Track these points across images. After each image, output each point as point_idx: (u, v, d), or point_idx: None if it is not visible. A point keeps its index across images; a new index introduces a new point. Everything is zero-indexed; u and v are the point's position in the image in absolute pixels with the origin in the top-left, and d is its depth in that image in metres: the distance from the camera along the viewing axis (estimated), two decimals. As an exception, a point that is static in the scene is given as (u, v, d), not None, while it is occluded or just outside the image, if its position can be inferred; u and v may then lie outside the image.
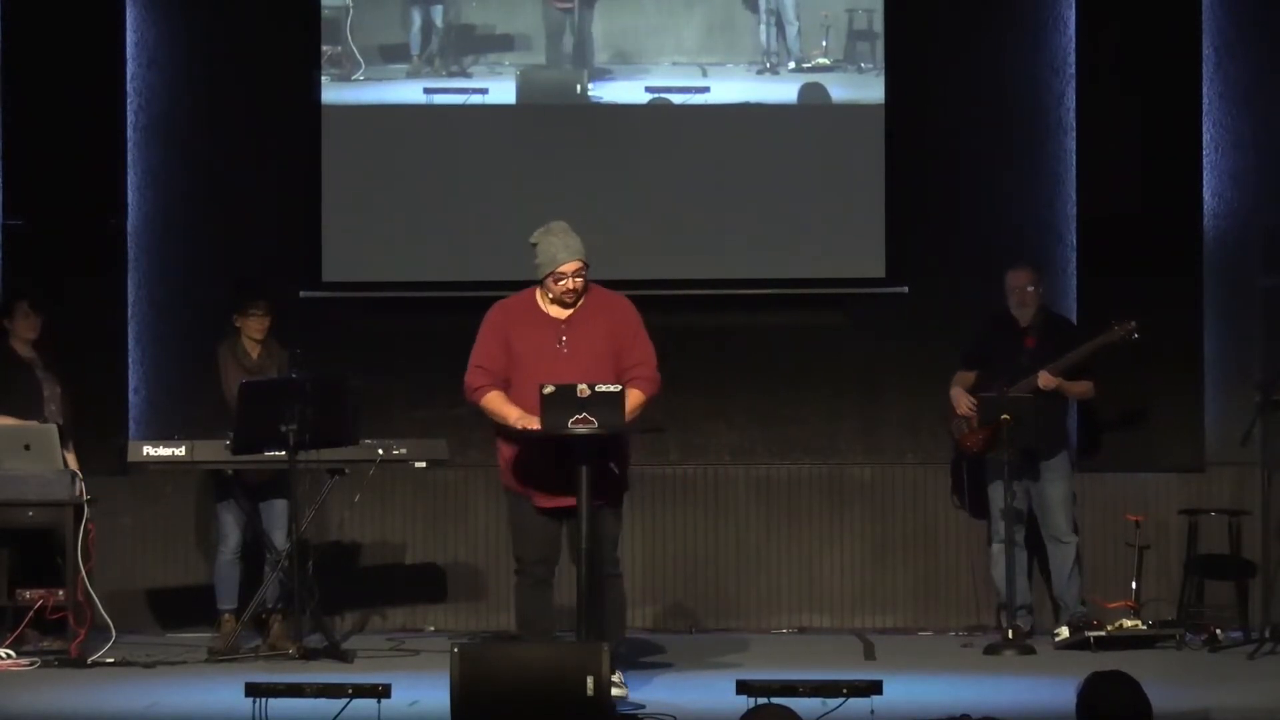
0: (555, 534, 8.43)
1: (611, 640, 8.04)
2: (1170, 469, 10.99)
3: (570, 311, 8.43)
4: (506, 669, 7.17)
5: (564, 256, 8.34)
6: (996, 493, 10.20)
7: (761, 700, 6.71)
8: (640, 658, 9.27)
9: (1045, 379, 10.21)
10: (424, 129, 11.21)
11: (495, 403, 8.39)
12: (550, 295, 8.42)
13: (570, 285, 8.36)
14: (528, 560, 8.49)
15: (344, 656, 9.50)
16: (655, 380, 8.45)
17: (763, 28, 11.20)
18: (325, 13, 11.20)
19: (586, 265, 8.38)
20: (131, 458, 9.88)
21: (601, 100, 11.23)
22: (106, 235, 11.09)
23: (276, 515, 10.04)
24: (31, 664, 9.43)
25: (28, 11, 11.09)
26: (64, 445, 9.85)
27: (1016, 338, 10.40)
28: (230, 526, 10.17)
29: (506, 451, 8.48)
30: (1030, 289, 10.42)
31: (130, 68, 11.20)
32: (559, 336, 8.39)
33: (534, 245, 8.41)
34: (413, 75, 11.24)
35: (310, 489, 9.90)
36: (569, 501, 8.25)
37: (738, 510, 11.16)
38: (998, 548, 10.21)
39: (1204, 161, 11.06)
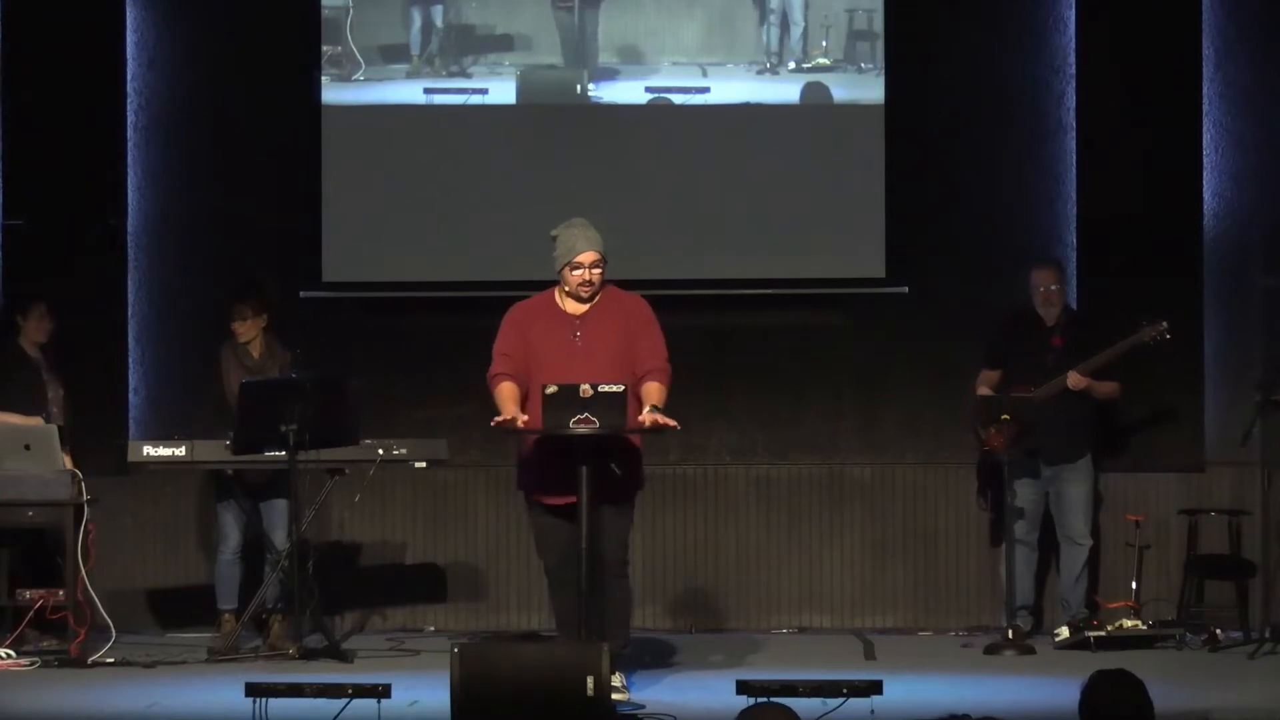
0: (569, 534, 8.35)
1: (616, 641, 8.02)
2: (1170, 469, 10.98)
3: (586, 308, 8.46)
4: (506, 669, 7.17)
5: (582, 246, 8.39)
6: (1013, 492, 10.14)
7: (761, 700, 6.71)
8: (640, 657, 9.26)
9: (1075, 379, 10.14)
10: (424, 129, 11.20)
11: (500, 394, 8.42)
12: (567, 288, 8.45)
13: (587, 276, 8.40)
14: (550, 565, 8.51)
15: (344, 656, 9.49)
16: (668, 371, 8.48)
17: (763, 28, 11.20)
18: (325, 13, 11.19)
19: (604, 259, 8.42)
20: (131, 458, 9.89)
21: (602, 100, 11.22)
22: (106, 235, 11.08)
23: (276, 515, 10.04)
24: (31, 664, 9.42)
25: (28, 11, 11.09)
26: (61, 447, 9.84)
27: (1043, 336, 10.32)
28: (230, 526, 10.17)
29: (520, 453, 8.51)
30: (1055, 287, 10.35)
31: (130, 68, 11.20)
32: (574, 331, 8.42)
33: (554, 238, 8.47)
34: (413, 75, 11.23)
35: (310, 489, 9.89)
36: (572, 498, 8.24)
37: (738, 510, 11.16)
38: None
39: (1204, 161, 11.05)
